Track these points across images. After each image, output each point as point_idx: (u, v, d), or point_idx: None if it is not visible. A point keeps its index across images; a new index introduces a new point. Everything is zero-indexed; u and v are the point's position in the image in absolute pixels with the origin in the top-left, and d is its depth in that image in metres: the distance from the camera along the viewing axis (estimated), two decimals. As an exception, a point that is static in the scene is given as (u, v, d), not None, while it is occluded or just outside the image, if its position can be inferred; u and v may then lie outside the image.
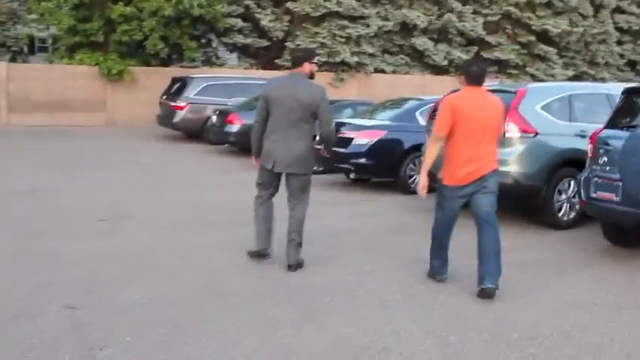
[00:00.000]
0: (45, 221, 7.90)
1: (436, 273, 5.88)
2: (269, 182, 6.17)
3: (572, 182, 8.15)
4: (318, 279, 5.87)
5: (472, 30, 28.13)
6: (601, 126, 7.46)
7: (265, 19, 24.41)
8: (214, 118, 15.89)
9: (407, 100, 12.05)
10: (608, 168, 6.69)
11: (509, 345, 4.50)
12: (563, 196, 8.15)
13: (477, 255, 5.62)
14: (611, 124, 7.09)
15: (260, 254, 6.22)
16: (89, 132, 19.54)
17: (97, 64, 21.72)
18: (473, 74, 5.52)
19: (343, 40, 24.86)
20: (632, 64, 34.30)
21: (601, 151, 6.81)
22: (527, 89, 8.21)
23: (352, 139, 10.60)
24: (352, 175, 11.23)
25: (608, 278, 6.21)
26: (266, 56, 25.33)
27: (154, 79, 21.79)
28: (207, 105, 17.29)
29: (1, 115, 20.86)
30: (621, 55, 33.75)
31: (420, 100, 11.66)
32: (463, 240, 6.82)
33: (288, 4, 24.61)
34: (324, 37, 24.53)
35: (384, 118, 11.42)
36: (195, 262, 6.31)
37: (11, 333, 4.43)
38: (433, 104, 9.54)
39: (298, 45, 24.15)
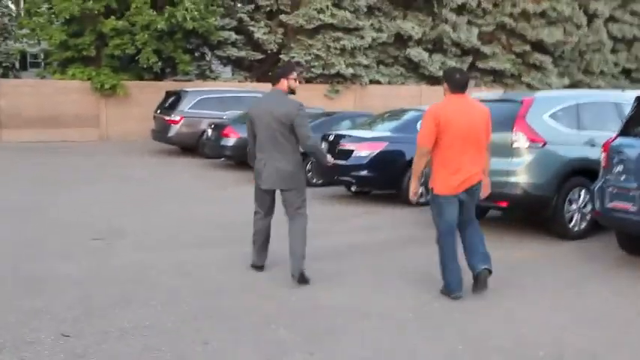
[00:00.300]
0: (35, 241, 7.57)
1: (451, 291, 5.59)
2: (262, 200, 6.25)
3: (582, 192, 7.90)
4: (324, 298, 5.59)
5: (467, 40, 28.01)
6: (611, 134, 7.24)
7: (259, 32, 24.20)
8: (209, 132, 15.62)
9: (406, 111, 11.81)
10: (623, 177, 6.46)
11: (533, 368, 4.24)
12: (574, 206, 7.90)
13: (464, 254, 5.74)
14: (625, 132, 6.86)
15: (255, 267, 6.42)
16: (82, 148, 19.24)
17: (89, 79, 21.44)
18: (457, 82, 5.49)
19: (338, 51, 24.65)
20: (626, 72, 34.29)
21: (615, 160, 6.57)
22: (534, 98, 7.97)
23: (352, 151, 10.35)
24: (353, 188, 10.96)
25: (628, 290, 5.97)
26: (260, 69, 25.10)
27: (148, 94, 21.54)
28: (202, 119, 17.02)
29: (-8, 131, 20.55)
30: (615, 64, 33.75)
31: (419, 110, 11.37)
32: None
33: (282, 17, 24.41)
34: (318, 49, 24.32)
35: (384, 129, 11.17)
36: (194, 282, 6.02)
37: (0, 364, 4.14)
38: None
39: (293, 57, 23.97)
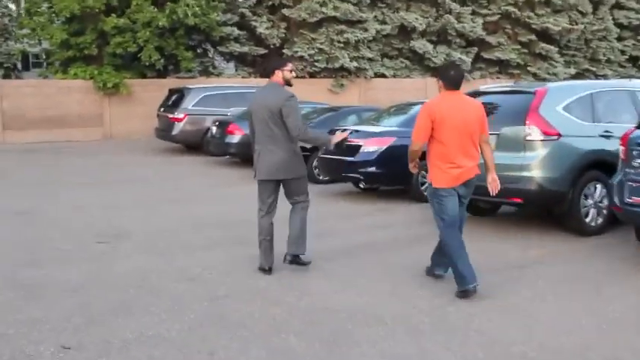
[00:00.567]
0: (36, 244, 7.38)
1: (468, 282, 5.40)
2: (262, 193, 6.25)
3: (598, 186, 7.65)
4: (335, 302, 5.37)
5: (471, 31, 27.70)
6: (627, 125, 7.00)
7: (261, 27, 23.95)
8: (214, 129, 15.40)
9: (413, 104, 11.54)
10: (643, 170, 6.20)
11: (558, 375, 4.02)
12: (590, 201, 7.64)
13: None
14: (644, 123, 6.60)
15: (263, 269, 6.23)
16: (86, 147, 19.05)
17: (91, 78, 21.25)
18: (451, 78, 5.56)
19: (341, 45, 24.39)
20: (633, 59, 33.89)
21: (635, 152, 6.32)
22: (547, 89, 7.70)
23: (360, 146, 10.11)
24: (362, 185, 10.71)
25: (652, 290, 5.72)
26: (263, 64, 24.79)
27: (151, 91, 21.34)
28: (206, 116, 16.80)
29: (-5, 132, 20.39)
30: (622, 52, 33.35)
31: (428, 103, 11.15)
32: (486, 252, 6.36)
33: (284, 11, 24.16)
34: (321, 43, 24.07)
35: (391, 124, 10.92)
36: (199, 287, 5.80)
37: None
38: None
39: (296, 52, 23.73)
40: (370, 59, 25.60)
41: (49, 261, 6.67)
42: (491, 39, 28.54)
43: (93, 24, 21.18)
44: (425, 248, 7.02)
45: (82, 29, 21.42)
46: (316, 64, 24.15)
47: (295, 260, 6.26)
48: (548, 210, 8.10)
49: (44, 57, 24.09)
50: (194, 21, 21.30)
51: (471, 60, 27.99)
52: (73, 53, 21.41)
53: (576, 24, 30.20)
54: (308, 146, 11.93)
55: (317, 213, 9.17)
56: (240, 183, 11.97)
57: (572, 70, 30.60)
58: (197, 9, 21.24)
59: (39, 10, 21.76)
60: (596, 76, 31.07)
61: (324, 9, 23.71)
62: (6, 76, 22.57)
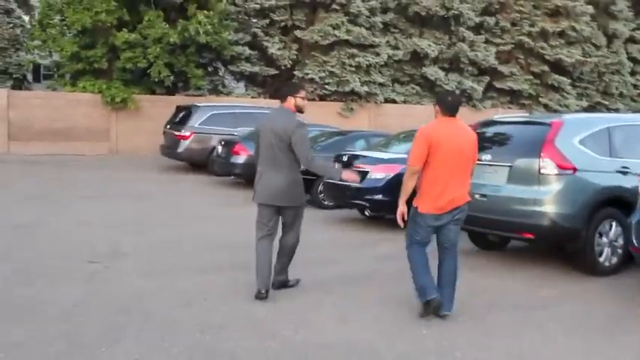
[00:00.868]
0: (29, 262, 7.13)
1: (428, 294, 5.57)
2: (262, 216, 6.18)
3: (613, 224, 7.34)
4: (335, 337, 5.08)
5: (484, 60, 27.54)
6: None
7: (273, 48, 23.84)
8: (219, 149, 15.18)
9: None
10: (664, 210, 5.91)
11: None
12: (605, 240, 7.33)
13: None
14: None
15: (259, 293, 6.03)
16: (91, 162, 18.87)
17: (100, 92, 21.13)
18: (449, 105, 5.62)
19: (353, 69, 24.24)
20: (646, 94, 33.66)
21: (654, 190, 6.04)
22: (563, 121, 7.43)
23: (367, 173, 9.85)
24: (367, 212, 10.41)
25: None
26: (274, 85, 24.70)
27: (159, 108, 21.21)
28: (213, 135, 16.59)
29: (0, 143, 20.22)
30: (635, 86, 33.21)
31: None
32: (494, 290, 6.05)
33: (297, 32, 24.05)
34: (333, 66, 23.91)
35: (400, 150, 10.63)
36: (193, 314, 5.52)
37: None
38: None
39: (307, 74, 23.59)
40: (381, 84, 25.44)
41: (42, 279, 6.43)
42: (504, 68, 28.37)
43: (104, 38, 21.14)
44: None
45: (92, 43, 21.38)
46: (327, 86, 23.99)
47: (284, 285, 6.34)
48: (560, 247, 7.78)
49: (55, 69, 24.01)
50: (205, 39, 21.21)
51: (482, 89, 27.81)
52: (82, 66, 21.33)
53: (590, 56, 30.03)
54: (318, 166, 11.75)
55: (320, 240, 8.95)
56: (244, 204, 11.67)
57: (584, 103, 30.40)
58: (209, 27, 21.16)
59: (51, 22, 21.72)
60: (608, 110, 30.87)
61: (336, 32, 23.60)
62: (15, 87, 22.46)
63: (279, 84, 24.01)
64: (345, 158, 10.60)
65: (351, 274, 7.16)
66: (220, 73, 25.05)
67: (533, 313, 5.95)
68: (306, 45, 24.34)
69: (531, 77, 28.96)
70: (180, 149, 16.87)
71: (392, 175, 9.68)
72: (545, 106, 28.95)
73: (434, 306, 5.55)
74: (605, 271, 7.32)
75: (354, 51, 24.15)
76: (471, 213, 7.60)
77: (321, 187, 11.73)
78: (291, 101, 6.17)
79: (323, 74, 23.83)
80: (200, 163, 16.99)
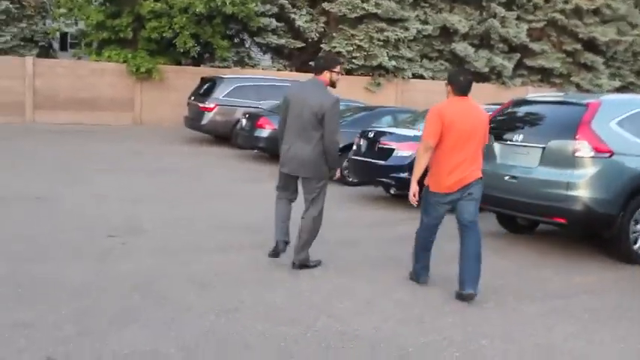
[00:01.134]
0: (41, 237, 6.96)
1: (419, 276, 5.94)
2: (284, 185, 6.31)
3: (650, 210, 7.01)
4: (357, 326, 4.83)
5: (515, 36, 26.88)
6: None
7: (300, 20, 23.44)
8: (243, 122, 14.98)
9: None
10: None
11: None
12: (640, 227, 7.03)
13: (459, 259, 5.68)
14: None
15: (275, 252, 6.28)
16: (115, 132, 18.75)
17: (125, 62, 20.95)
18: (461, 85, 5.62)
19: (381, 43, 23.75)
20: (681, 75, 32.75)
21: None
22: (600, 102, 7.07)
23: (393, 150, 9.59)
24: (392, 191, 10.14)
25: None
26: (300, 58, 24.34)
27: (184, 79, 20.97)
28: (237, 107, 16.38)
29: (26, 112, 20.17)
30: (670, 66, 32.26)
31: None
32: (524, 276, 5.77)
33: (325, 5, 23.60)
34: (360, 40, 23.45)
35: (427, 128, 10.35)
36: (209, 296, 5.32)
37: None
38: (490, 114, 8.44)
39: (334, 47, 23.20)
40: (409, 59, 24.95)
41: (55, 255, 6.27)
42: (535, 46, 27.69)
43: (130, 7, 20.88)
44: (456, 269, 6.49)
45: (118, 12, 21.13)
46: (354, 60, 23.56)
47: (305, 265, 6.21)
48: (593, 233, 7.47)
49: (81, 38, 23.85)
50: (232, 9, 20.86)
51: (512, 66, 27.22)
52: (108, 35, 21.09)
53: (625, 35, 29.22)
54: (340, 145, 11.52)
55: (342, 218, 8.74)
56: (267, 180, 11.46)
57: (617, 83, 29.64)
58: (236, -3, 20.81)
59: (78, -11, 21.51)
60: (642, 90, 30.14)
61: (365, 5, 23.11)
62: (41, 55, 22.34)
63: (305, 57, 23.69)
64: (371, 135, 10.34)
65: (374, 256, 6.93)
66: (246, 45, 24.73)
67: (564, 301, 5.69)
68: (334, 18, 23.90)
69: (563, 55, 28.26)
70: (203, 121, 16.67)
71: (419, 153, 9.38)
72: (577, 85, 28.28)
73: (419, 283, 5.91)
74: (640, 259, 7.01)
75: (383, 25, 23.65)
76: (501, 195, 7.40)
77: (346, 164, 11.48)
78: (326, 75, 6.13)
79: (350, 48, 23.40)
80: (224, 136, 16.80)
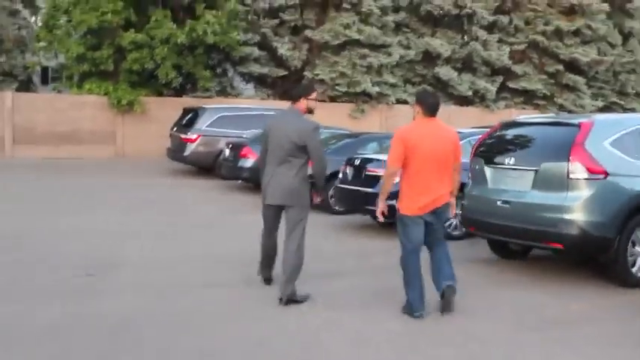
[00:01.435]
0: (18, 276, 6.66)
1: (414, 309, 5.62)
2: (266, 215, 6.30)
3: (647, 232, 6.80)
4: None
5: (497, 59, 26.96)
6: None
7: (283, 48, 23.36)
8: (227, 152, 14.73)
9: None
10: None
11: None
12: (638, 249, 6.79)
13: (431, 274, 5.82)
14: None
15: (264, 279, 6.47)
16: (96, 165, 18.43)
17: (106, 94, 20.72)
18: (430, 106, 5.64)
19: (364, 69, 23.70)
20: (662, 93, 32.94)
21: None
22: (593, 121, 6.88)
23: (380, 177, 9.34)
24: (381, 219, 9.86)
25: None
26: (283, 86, 24.19)
27: (166, 110, 20.72)
28: (220, 137, 16.10)
29: (5, 147, 19.84)
30: (651, 85, 32.44)
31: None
32: (519, 304, 5.54)
33: (307, 32, 23.56)
34: (343, 67, 23.38)
35: (415, 153, 10.14)
36: (191, 337, 5.02)
37: None
38: (479, 137, 8.25)
39: (317, 74, 23.12)
40: (393, 85, 24.88)
41: (28, 295, 5.97)
42: (518, 68, 27.77)
43: (110, 39, 20.72)
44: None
45: (99, 44, 20.96)
46: (337, 87, 23.46)
47: (293, 300, 5.96)
48: (589, 257, 7.24)
49: (60, 71, 23.63)
50: (214, 39, 20.75)
51: (495, 89, 27.24)
52: (88, 68, 20.90)
53: (605, 55, 29.38)
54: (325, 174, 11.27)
55: (330, 249, 8.48)
56: (251, 211, 11.18)
57: (600, 103, 29.72)
58: (217, 27, 20.70)
59: (57, 22, 21.34)
60: (624, 110, 30.19)
61: (347, 32, 23.09)
62: (21, 89, 22.09)
63: (288, 85, 23.53)
64: (357, 162, 10.13)
65: (364, 287, 6.65)
66: (229, 75, 24.61)
67: (563, 330, 5.44)
68: (317, 45, 23.84)
69: (546, 77, 28.32)
70: (186, 152, 16.41)
71: (407, 179, 9.17)
72: (561, 106, 28.31)
73: (418, 318, 5.61)
74: (638, 282, 6.78)
75: (366, 51, 23.62)
76: (493, 220, 7.18)
77: (331, 192, 11.25)
78: (303, 102, 6.15)
79: (333, 75, 23.32)
80: (207, 167, 16.54)
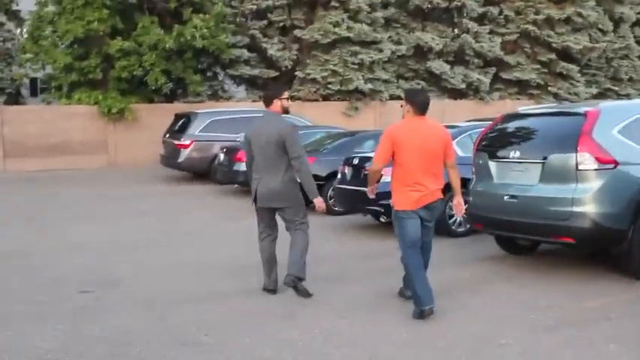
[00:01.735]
0: (11, 294, 6.40)
1: (423, 303, 5.47)
2: (261, 219, 6.34)
3: (660, 222, 6.55)
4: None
5: (489, 51, 26.73)
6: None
7: (272, 49, 23.07)
8: (221, 156, 14.47)
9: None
10: None
11: None
12: (651, 240, 6.55)
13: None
14: None
15: (267, 290, 6.31)
16: (89, 176, 18.16)
17: (96, 103, 20.43)
18: (420, 104, 5.68)
19: (356, 66, 23.41)
20: (656, 78, 32.74)
21: None
22: (599, 110, 6.63)
23: (381, 176, 9.08)
24: (382, 219, 9.63)
25: None
26: (275, 87, 23.90)
27: (158, 117, 20.41)
28: (214, 142, 15.83)
29: (-5, 161, 19.56)
30: (644, 70, 32.25)
31: (454, 127, 10.14)
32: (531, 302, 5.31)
33: (296, 32, 23.28)
34: (335, 65, 23.09)
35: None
36: (192, 356, 4.76)
37: None
38: (482, 130, 8.00)
39: (309, 74, 22.87)
40: (385, 81, 24.61)
41: (20, 317, 5.68)
42: (510, 59, 27.53)
43: (98, 47, 20.46)
44: (461, 300, 6.01)
45: (86, 53, 20.71)
46: (329, 86, 23.19)
47: (296, 284, 6.14)
48: (603, 250, 7.00)
49: (48, 82, 23.31)
50: (202, 43, 20.49)
51: (489, 81, 27.02)
52: (77, 77, 20.64)
53: (597, 42, 29.19)
54: (323, 174, 11.06)
55: (331, 251, 8.24)
56: (249, 216, 10.88)
57: (594, 90, 29.51)
58: (205, 31, 20.44)
59: (43, 33, 21.07)
60: (619, 96, 30.02)
61: (337, 29, 22.81)
62: (9, 102, 21.77)
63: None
64: (355, 161, 9.88)
65: (367, 291, 6.40)
66: (220, 78, 24.36)
67: (580, 329, 5.19)
68: (307, 44, 23.56)
69: (539, 66, 28.09)
70: (180, 159, 16.15)
71: (407, 177, 8.92)
72: (555, 95, 28.09)
73: (427, 313, 5.49)
74: (654, 275, 6.54)
75: (356, 48, 23.34)
76: (500, 216, 6.94)
77: (331, 192, 11.00)
78: (277, 104, 6.28)
79: (325, 73, 23.04)
80: (202, 172, 16.26)
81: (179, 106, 20.77)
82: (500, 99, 27.32)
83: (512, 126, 7.48)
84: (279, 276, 6.27)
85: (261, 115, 6.65)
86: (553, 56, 28.11)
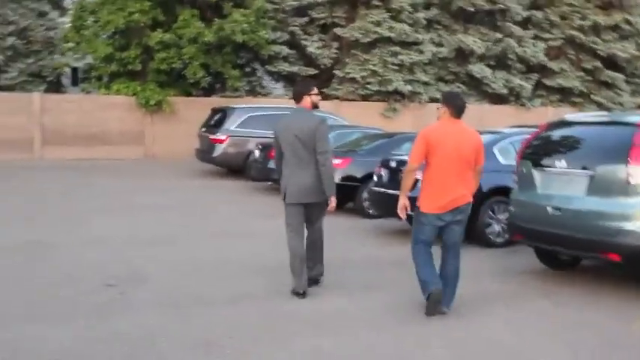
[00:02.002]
0: (37, 289, 6.27)
1: (430, 284, 5.58)
2: (291, 216, 6.21)
3: None
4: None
5: (533, 56, 26.31)
6: None
7: (312, 46, 22.92)
8: (257, 153, 14.34)
9: (479, 134, 10.24)
10: None
11: None
12: None
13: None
14: None
15: (297, 293, 6.11)
16: (125, 167, 18.19)
17: (134, 95, 20.49)
18: (457, 107, 5.71)
19: (395, 67, 23.13)
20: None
21: None
22: (652, 120, 6.33)
23: (418, 180, 8.84)
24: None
25: None
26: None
27: (195, 110, 20.39)
28: (250, 138, 15.70)
29: (34, 148, 19.70)
30: (692, 82, 31.41)
31: (496, 133, 9.85)
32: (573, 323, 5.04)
33: (337, 30, 23.09)
34: (374, 65, 22.84)
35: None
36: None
37: None
38: (527, 137, 7.69)
39: (348, 73, 22.66)
40: (425, 83, 24.29)
41: (44, 313, 5.53)
42: (554, 65, 27.04)
43: (138, 39, 20.50)
44: (497, 314, 5.75)
45: (126, 44, 20.77)
46: (368, 86, 22.95)
47: (315, 282, 6.38)
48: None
49: (88, 71, 23.48)
50: (242, 38, 20.42)
51: (531, 86, 26.55)
52: (116, 68, 20.71)
53: (644, 51, 28.52)
54: (359, 176, 10.86)
55: (363, 257, 8.03)
56: (282, 214, 10.79)
57: (639, 100, 28.85)
58: (246, 26, 20.36)
59: (85, 23, 21.20)
60: (664, 108, 29.30)
61: (378, 29, 22.56)
62: (50, 91, 21.96)
63: (318, 84, 22.95)
64: (393, 164, 9.64)
65: (401, 302, 6.14)
66: (258, 74, 24.27)
67: (628, 355, 4.90)
68: (347, 43, 23.35)
69: (583, 74, 27.58)
70: (215, 154, 16.05)
71: (446, 183, 8.66)
72: (599, 104, 27.51)
73: (435, 299, 5.55)
74: None
75: (397, 49, 23.07)
76: (542, 228, 6.65)
77: (365, 195, 10.78)
78: (307, 100, 6.29)
79: (364, 73, 22.81)
80: (237, 168, 16.17)
81: (217, 101, 20.71)
82: (542, 106, 26.84)
83: (558, 134, 7.18)
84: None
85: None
86: (598, 64, 27.55)
